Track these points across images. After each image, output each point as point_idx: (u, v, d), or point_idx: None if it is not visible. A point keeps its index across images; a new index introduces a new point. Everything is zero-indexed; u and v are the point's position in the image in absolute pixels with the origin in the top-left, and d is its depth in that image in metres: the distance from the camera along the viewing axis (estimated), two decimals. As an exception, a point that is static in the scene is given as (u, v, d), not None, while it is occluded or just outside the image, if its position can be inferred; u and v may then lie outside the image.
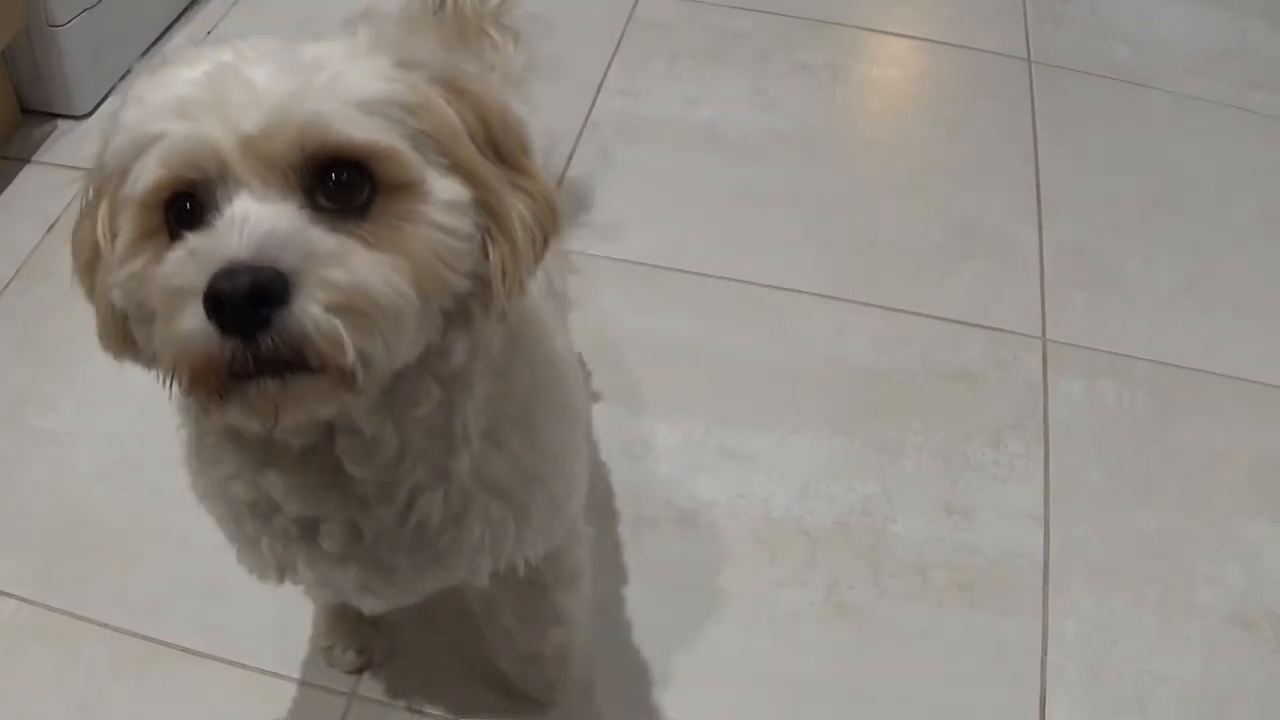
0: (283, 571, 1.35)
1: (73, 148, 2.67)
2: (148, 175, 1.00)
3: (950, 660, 1.88)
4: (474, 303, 1.10)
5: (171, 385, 1.02)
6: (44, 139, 2.69)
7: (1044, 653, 1.90)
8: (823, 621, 1.91)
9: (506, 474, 1.28)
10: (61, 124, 2.73)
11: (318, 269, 0.96)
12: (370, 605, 1.44)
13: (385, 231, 1.01)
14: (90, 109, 2.76)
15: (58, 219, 2.49)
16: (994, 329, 2.34)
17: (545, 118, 2.27)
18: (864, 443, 2.14)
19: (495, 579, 1.43)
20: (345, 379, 0.99)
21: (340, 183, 1.00)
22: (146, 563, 1.95)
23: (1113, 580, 1.99)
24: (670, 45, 3.02)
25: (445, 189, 1.04)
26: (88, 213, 1.13)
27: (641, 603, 1.94)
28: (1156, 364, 2.32)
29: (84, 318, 2.16)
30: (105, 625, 1.87)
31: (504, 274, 1.09)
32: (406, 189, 1.02)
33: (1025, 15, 3.21)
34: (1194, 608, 1.97)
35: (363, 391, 1.02)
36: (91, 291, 1.15)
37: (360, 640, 1.82)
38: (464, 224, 1.05)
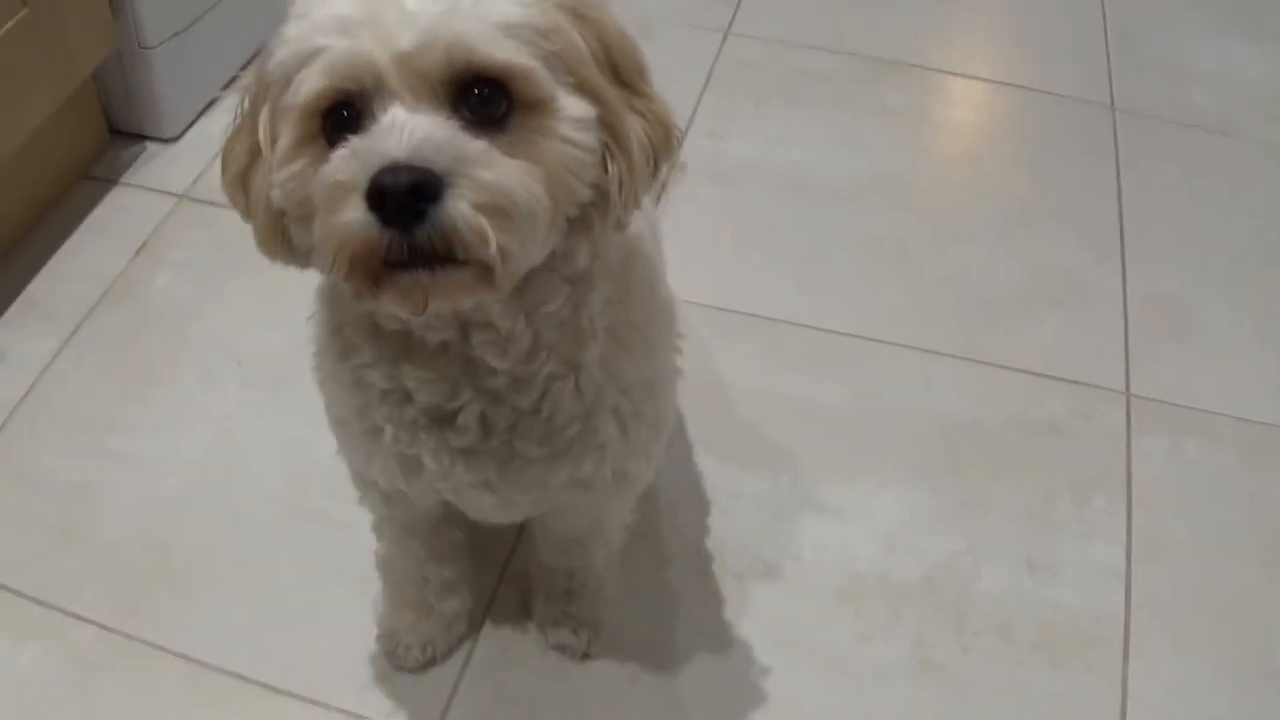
0: (403, 472, 1.44)
1: (161, 170, 2.69)
2: (310, 84, 1.11)
3: (1031, 720, 1.87)
4: (594, 211, 1.20)
5: (332, 271, 1.12)
6: (132, 161, 2.71)
7: (1123, 714, 1.88)
8: (906, 679, 1.90)
9: (631, 374, 1.40)
10: (150, 146, 2.74)
11: (468, 170, 1.06)
12: (478, 506, 1.50)
13: (521, 142, 1.11)
14: (179, 132, 2.78)
15: (145, 242, 2.51)
16: (1078, 383, 2.32)
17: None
18: (949, 497, 2.13)
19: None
20: (486, 273, 1.10)
21: (481, 97, 1.10)
22: (227, 594, 1.96)
23: (1193, 640, 1.97)
24: (756, 86, 3.03)
25: (574, 106, 1.14)
26: (244, 124, 1.23)
27: (724, 654, 1.93)
28: (1240, 420, 2.30)
29: (168, 342, 2.19)
30: (185, 657, 1.88)
31: (621, 187, 1.19)
32: (540, 105, 1.12)
33: (1108, 60, 3.20)
34: (1275, 670, 1.95)
35: (500, 287, 1.13)
36: (245, 200, 1.24)
37: (425, 632, 1.87)
38: (590, 139, 1.15)
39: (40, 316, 2.36)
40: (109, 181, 2.66)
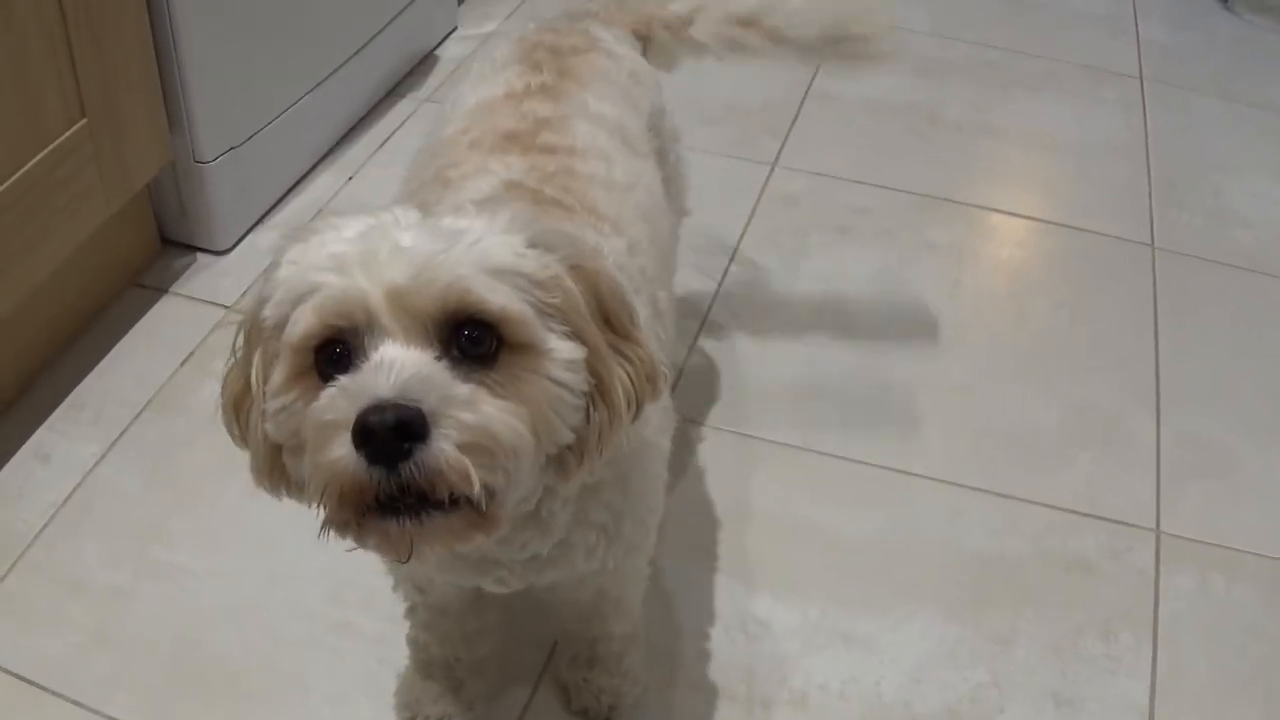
0: (427, 586, 1.67)
1: (211, 282, 2.73)
2: (303, 322, 1.15)
3: None
4: (570, 455, 1.26)
5: (319, 509, 1.16)
6: (182, 271, 2.75)
7: None
8: (926, 810, 1.90)
9: (601, 514, 1.47)
10: (201, 258, 2.79)
11: (453, 411, 1.10)
12: (503, 587, 1.56)
13: (510, 381, 1.16)
14: (230, 245, 2.82)
15: (192, 352, 2.54)
16: (1108, 520, 2.33)
17: (680, 281, 2.32)
18: (976, 630, 2.13)
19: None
20: (478, 517, 1.14)
21: (471, 338, 1.15)
22: (259, 704, 1.96)
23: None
24: (800, 219, 3.07)
25: (563, 349, 1.19)
26: (241, 361, 1.28)
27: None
28: (1266, 559, 2.30)
29: (213, 452, 2.22)
30: (217, 769, 1.89)
31: (600, 435, 1.25)
32: (529, 348, 1.17)
33: (1150, 200, 3.23)
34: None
35: (491, 526, 1.17)
36: (240, 430, 1.30)
37: (442, 709, 1.92)
38: (578, 381, 1.20)
39: (86, 420, 2.39)
40: (159, 290, 2.70)
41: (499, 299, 1.15)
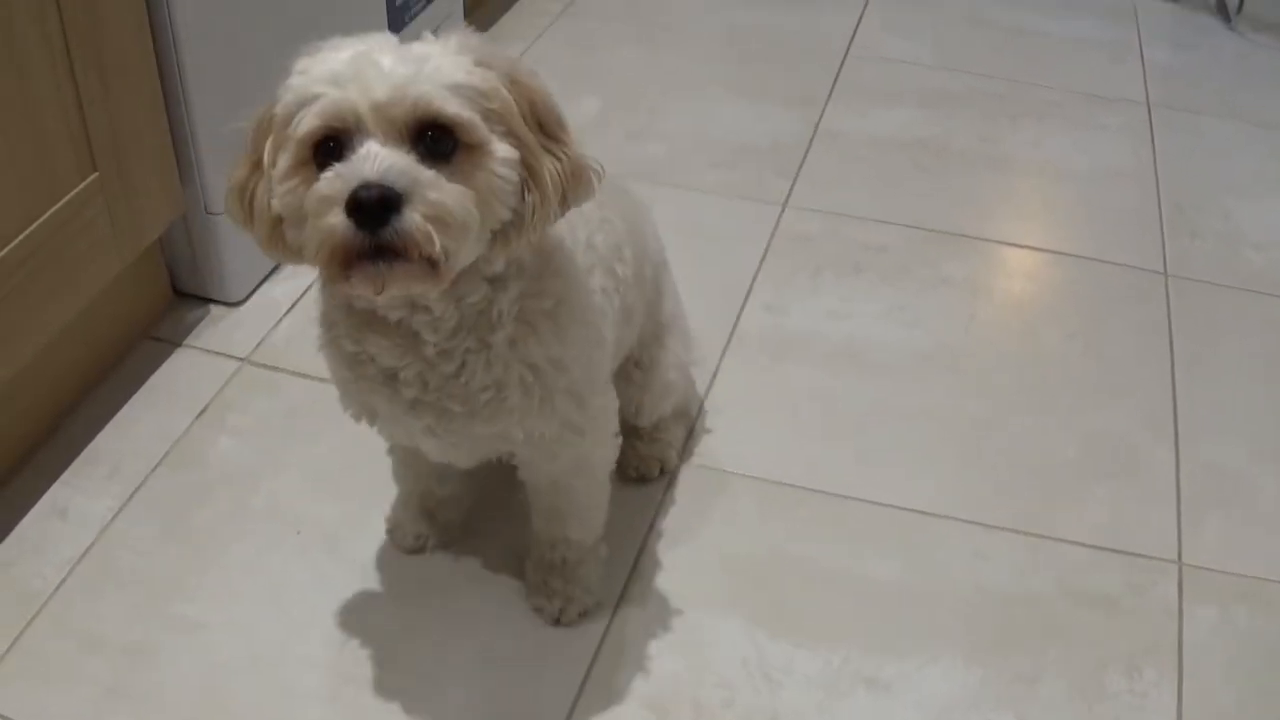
0: (371, 413, 1.84)
1: (225, 334, 2.73)
2: (307, 122, 1.46)
3: None
4: (511, 230, 1.56)
5: (314, 262, 1.48)
6: (196, 323, 2.75)
7: None
8: None
9: (538, 353, 1.73)
10: (214, 309, 2.79)
11: (421, 191, 1.43)
12: (432, 449, 1.89)
13: (461, 173, 1.48)
14: (243, 297, 2.82)
15: (207, 405, 2.54)
16: (1130, 553, 2.32)
17: (695, 325, 2.36)
18: (1000, 670, 2.12)
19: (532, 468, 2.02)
20: (431, 269, 1.46)
21: (434, 138, 1.47)
22: (276, 759, 1.96)
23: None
24: (814, 259, 3.06)
25: (502, 149, 1.51)
26: (249, 151, 1.58)
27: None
28: (1291, 587, 2.29)
29: (229, 506, 2.23)
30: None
31: (534, 212, 1.55)
32: (477, 147, 1.49)
33: (1161, 225, 3.23)
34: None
35: (441, 280, 1.49)
36: (240, 209, 1.60)
37: (420, 527, 2.27)
38: (512, 174, 1.52)
39: (102, 475, 2.39)
40: (172, 343, 2.70)
41: (454, 109, 1.46)
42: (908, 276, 3.01)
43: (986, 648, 2.16)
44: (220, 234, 2.70)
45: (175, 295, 2.81)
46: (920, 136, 3.59)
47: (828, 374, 2.72)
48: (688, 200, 3.23)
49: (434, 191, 1.44)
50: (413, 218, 1.42)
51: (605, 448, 2.01)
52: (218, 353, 2.68)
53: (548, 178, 1.56)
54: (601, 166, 1.64)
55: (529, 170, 1.55)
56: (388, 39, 1.53)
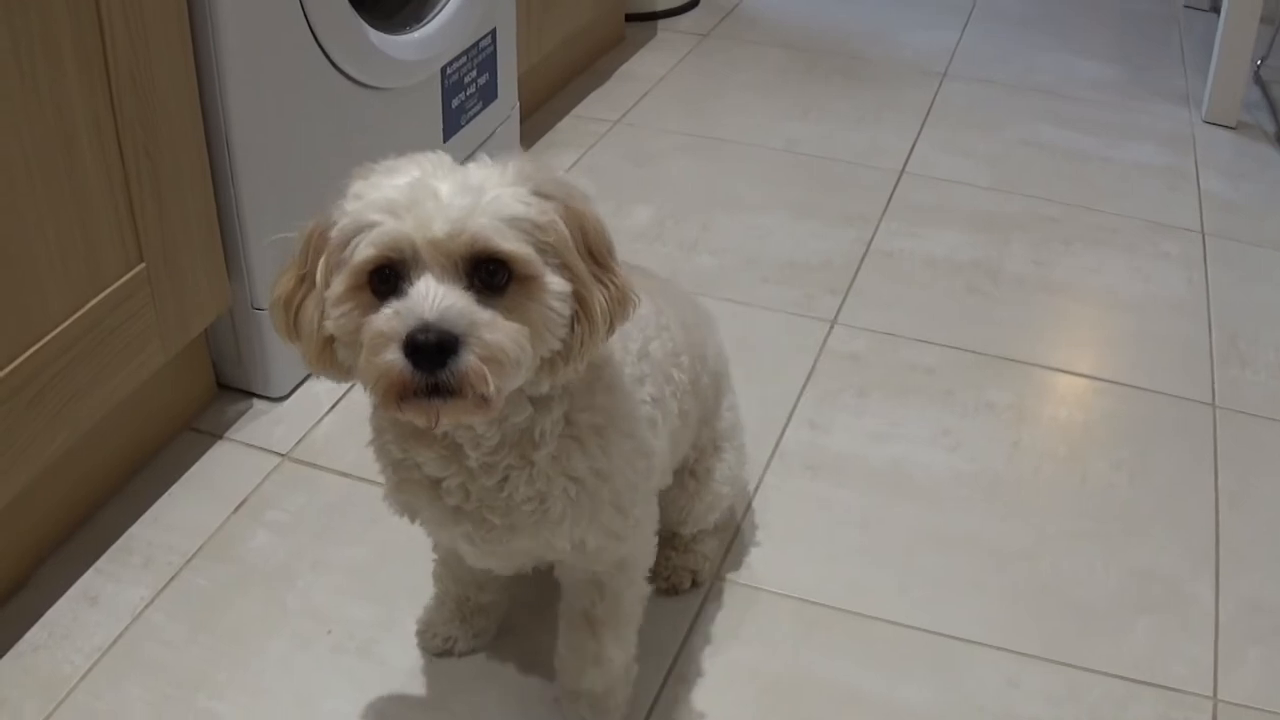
0: (413, 513, 1.86)
1: (266, 429, 2.74)
2: (364, 251, 1.47)
3: None
4: (559, 358, 1.58)
5: (369, 392, 1.50)
6: (237, 417, 2.76)
7: None
8: None
9: (582, 467, 1.73)
10: (256, 404, 2.80)
11: (478, 334, 1.44)
12: (473, 556, 1.89)
13: (516, 307, 1.49)
14: (286, 392, 2.84)
15: (245, 499, 2.55)
16: (1165, 687, 2.28)
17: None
18: (1028, 802, 2.09)
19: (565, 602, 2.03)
20: (483, 402, 1.47)
21: (489, 272, 1.48)
22: None
23: None
24: (860, 378, 3.06)
25: (556, 283, 1.52)
26: (295, 266, 1.61)
27: None
28: (1324, 730, 2.25)
29: (261, 603, 2.23)
30: None
31: (581, 344, 1.57)
32: (532, 280, 1.50)
33: (1212, 357, 3.21)
34: None
35: (492, 410, 1.50)
36: (284, 320, 1.62)
37: (451, 630, 2.26)
38: (565, 308, 1.53)
39: (135, 564, 2.39)
40: (213, 435, 2.72)
41: (511, 244, 1.47)
42: (954, 400, 3.01)
43: (1016, 778, 2.12)
44: (265, 329, 2.71)
45: (218, 388, 2.83)
46: (973, 258, 3.59)
47: (869, 495, 2.70)
48: (737, 313, 3.22)
49: (491, 333, 1.45)
50: (468, 359, 1.44)
51: (645, 551, 1.99)
52: (258, 447, 2.69)
53: (598, 308, 1.57)
54: (638, 296, 1.65)
55: (580, 301, 1.56)
56: (443, 161, 1.55)
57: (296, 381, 2.86)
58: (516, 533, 1.76)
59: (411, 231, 1.46)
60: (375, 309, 1.49)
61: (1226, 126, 4.57)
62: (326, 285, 1.54)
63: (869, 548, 2.57)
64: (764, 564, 2.48)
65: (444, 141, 3.27)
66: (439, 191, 1.48)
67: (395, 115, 3.02)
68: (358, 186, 1.55)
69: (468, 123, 3.37)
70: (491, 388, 1.45)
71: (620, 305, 1.61)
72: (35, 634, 2.26)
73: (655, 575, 2.17)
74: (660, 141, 4.20)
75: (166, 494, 2.56)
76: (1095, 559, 2.57)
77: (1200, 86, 4.66)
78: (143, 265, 2.34)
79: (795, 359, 3.11)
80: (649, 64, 4.77)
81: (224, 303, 2.62)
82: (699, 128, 4.25)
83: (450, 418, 1.52)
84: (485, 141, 3.50)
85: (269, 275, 2.61)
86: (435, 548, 2.19)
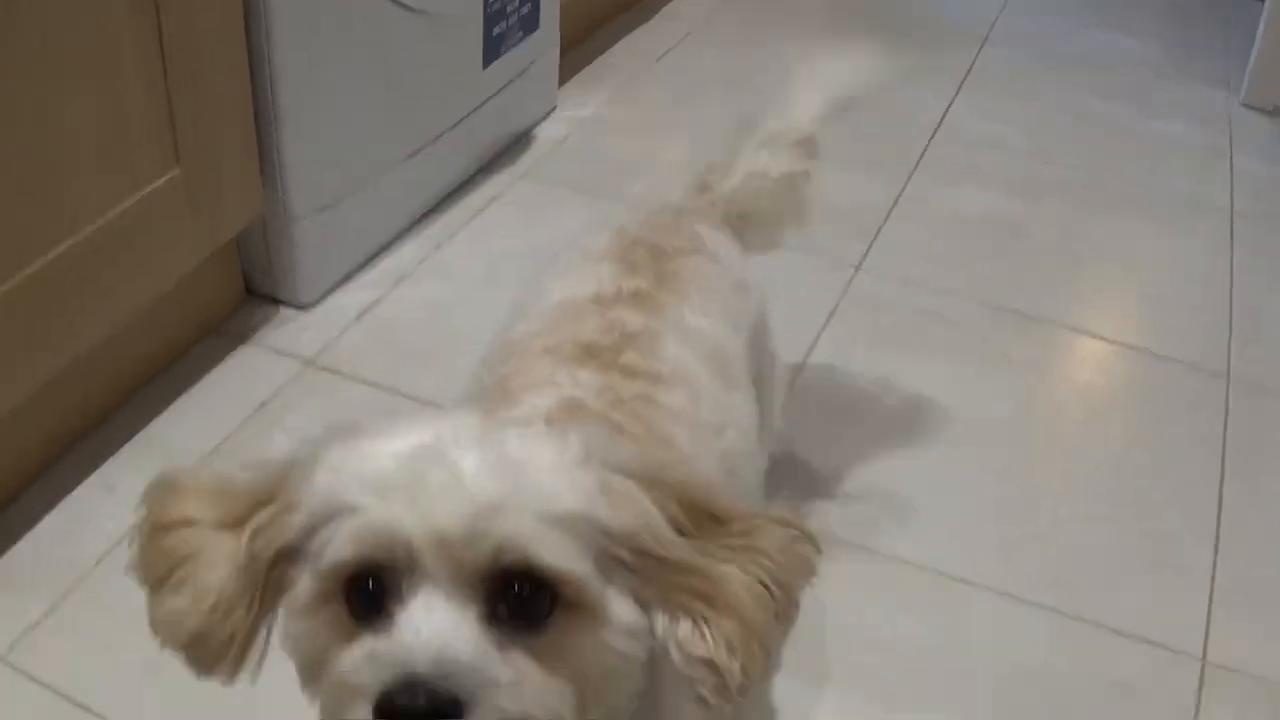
0: None
1: (292, 335, 2.78)
2: (336, 551, 1.05)
3: None
4: (704, 690, 1.09)
5: None
6: (264, 322, 2.81)
7: None
8: None
9: None
10: (284, 311, 2.84)
11: (491, 698, 0.98)
12: None
13: (559, 649, 1.04)
14: (313, 301, 2.87)
15: (266, 401, 2.59)
16: (1155, 643, 2.32)
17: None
18: (1010, 740, 2.13)
19: None
20: None
21: (522, 596, 1.03)
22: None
23: None
24: (880, 324, 3.09)
25: (625, 613, 1.07)
26: (216, 489, 1.19)
27: None
28: (1313, 696, 2.29)
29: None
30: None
31: (734, 653, 1.08)
32: (586, 610, 1.05)
33: (1230, 330, 3.23)
34: None
35: None
36: (162, 579, 1.18)
37: None
38: (638, 649, 1.08)
39: (154, 458, 2.43)
40: (239, 339, 2.76)
41: (560, 559, 1.03)
42: (971, 351, 3.03)
43: (998, 716, 2.17)
44: (297, 238, 2.76)
45: (247, 294, 2.87)
46: (1002, 218, 3.61)
47: (880, 438, 2.74)
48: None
49: (513, 700, 1.00)
50: None
51: None
52: (282, 353, 2.73)
53: (738, 587, 1.10)
54: (817, 544, 1.22)
55: (699, 596, 1.09)
56: (468, 425, 1.11)
57: (325, 290, 2.90)
58: None
59: (408, 522, 1.02)
60: (350, 636, 1.06)
61: (1264, 111, 4.57)
62: (266, 566, 1.12)
63: (875, 487, 2.61)
64: (772, 499, 2.49)
65: (483, 69, 3.29)
66: (458, 465, 1.04)
67: (435, 39, 3.04)
68: (334, 455, 1.11)
69: (508, 50, 3.39)
70: None
71: (785, 579, 1.14)
72: (52, 519, 2.32)
73: None
74: (699, 82, 4.22)
75: (188, 394, 2.60)
76: (1098, 515, 2.60)
77: (1240, 70, 4.65)
78: (178, 169, 2.38)
79: (817, 301, 3.13)
80: (693, 5, 4.78)
81: (257, 210, 2.66)
82: (738, 72, 4.26)
83: None
84: (525, 71, 3.53)
85: (303, 186, 2.67)
86: None
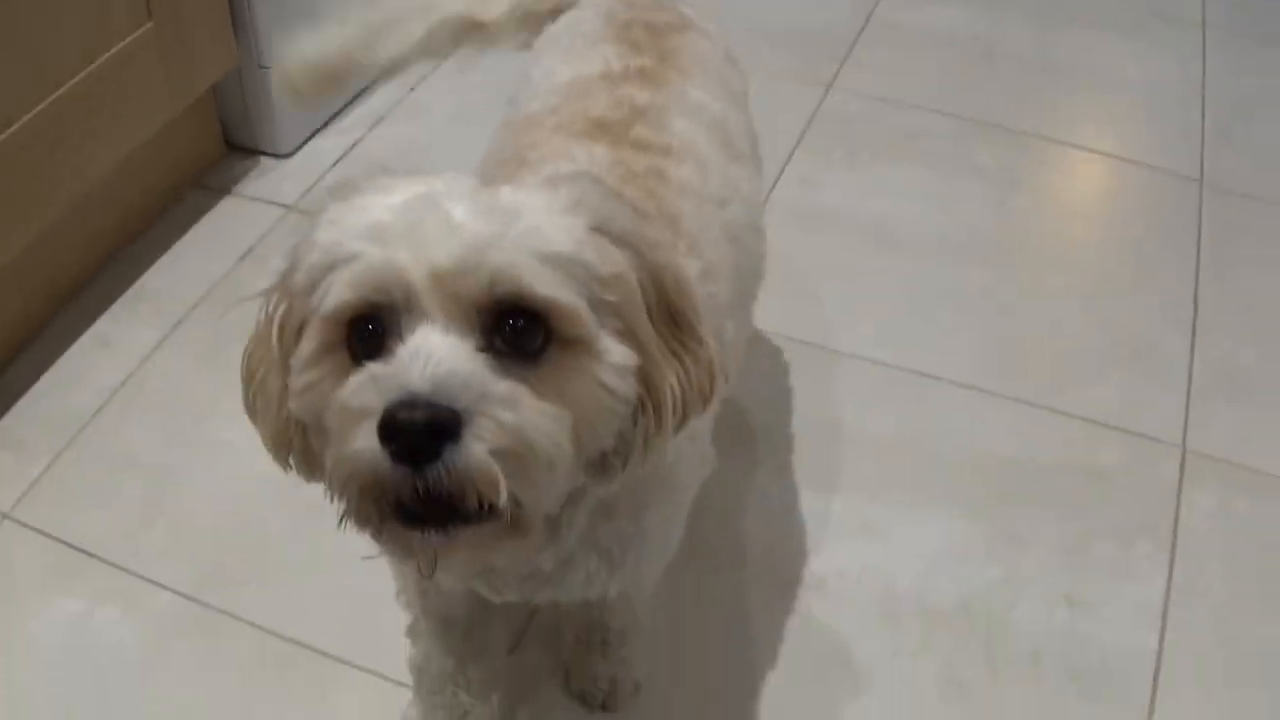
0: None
1: (273, 184, 2.80)
2: (336, 294, 1.07)
3: (1054, 748, 1.91)
4: (613, 458, 1.17)
5: (337, 502, 1.08)
6: (245, 174, 2.83)
7: (1147, 751, 1.92)
8: (934, 695, 1.96)
9: (610, 538, 1.38)
10: (264, 161, 2.86)
11: (490, 411, 1.00)
12: (496, 595, 1.48)
13: (554, 381, 1.06)
14: (292, 149, 2.89)
15: (251, 248, 2.63)
16: (1134, 433, 2.37)
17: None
18: (993, 529, 2.18)
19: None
20: (507, 528, 1.06)
21: (517, 329, 1.06)
22: (299, 570, 2.06)
23: (1223, 687, 2.00)
24: (852, 140, 3.10)
25: (617, 352, 1.10)
26: (264, 331, 1.21)
27: (761, 657, 1.99)
28: (1294, 484, 2.33)
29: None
30: (254, 625, 1.98)
31: (645, 442, 1.16)
32: (579, 344, 1.08)
33: (1202, 137, 3.24)
34: (1306, 725, 1.98)
35: (525, 537, 1.08)
36: (258, 407, 1.23)
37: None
38: (627, 388, 1.11)
39: (146, 310, 2.48)
40: (221, 191, 2.78)
41: (552, 290, 1.06)
42: (944, 162, 3.05)
43: (983, 507, 2.23)
44: (273, 86, 2.75)
45: (227, 147, 2.89)
46: (974, 33, 3.60)
47: (854, 247, 2.77)
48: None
49: (510, 412, 1.02)
50: (475, 451, 1.00)
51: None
52: (265, 200, 2.75)
53: (668, 395, 1.16)
54: (726, 374, 1.26)
55: (646, 385, 1.14)
56: (462, 181, 1.13)
57: (303, 138, 2.92)
58: (540, 589, 1.43)
59: (405, 262, 1.04)
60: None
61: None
62: (292, 347, 1.14)
63: (851, 294, 2.65)
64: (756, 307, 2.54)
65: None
66: (450, 212, 1.06)
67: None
68: (333, 210, 1.13)
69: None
70: (504, 497, 1.01)
71: (701, 391, 1.20)
72: (50, 376, 2.36)
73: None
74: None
75: (175, 246, 2.63)
76: (1073, 313, 2.65)
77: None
78: (150, 24, 2.39)
79: (790, 119, 3.14)
80: None
81: (230, 61, 2.67)
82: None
83: (456, 557, 1.10)
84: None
85: (275, 33, 2.67)
86: (414, 627, 1.79)
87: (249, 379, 1.22)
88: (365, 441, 1.01)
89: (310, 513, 2.05)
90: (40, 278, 2.42)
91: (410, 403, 0.98)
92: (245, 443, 2.17)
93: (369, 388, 1.02)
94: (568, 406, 1.06)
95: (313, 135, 2.93)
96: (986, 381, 2.45)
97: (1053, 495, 2.26)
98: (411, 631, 1.78)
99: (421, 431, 0.98)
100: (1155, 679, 2.00)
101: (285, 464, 1.23)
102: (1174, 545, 2.19)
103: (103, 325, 2.46)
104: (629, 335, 1.12)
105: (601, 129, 1.61)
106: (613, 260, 1.11)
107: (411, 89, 3.12)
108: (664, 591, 1.87)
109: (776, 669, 1.98)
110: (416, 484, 1.00)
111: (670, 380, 1.15)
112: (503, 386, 1.02)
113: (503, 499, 1.00)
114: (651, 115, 1.64)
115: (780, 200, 2.87)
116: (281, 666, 1.94)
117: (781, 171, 2.95)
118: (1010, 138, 3.18)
